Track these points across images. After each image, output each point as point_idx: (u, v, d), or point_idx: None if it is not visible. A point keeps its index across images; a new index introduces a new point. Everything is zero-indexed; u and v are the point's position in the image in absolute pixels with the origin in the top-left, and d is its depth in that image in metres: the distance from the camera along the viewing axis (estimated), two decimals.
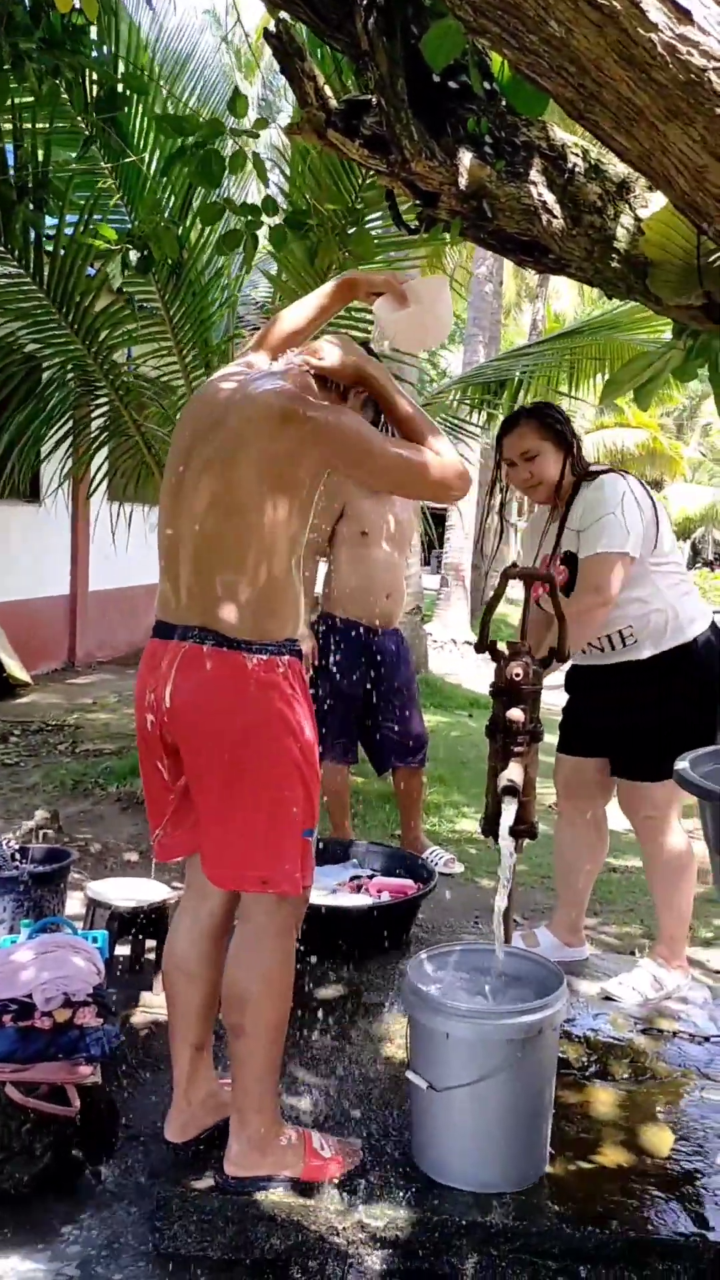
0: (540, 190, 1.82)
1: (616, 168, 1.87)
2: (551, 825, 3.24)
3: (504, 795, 2.05)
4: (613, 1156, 2.03)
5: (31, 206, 3.37)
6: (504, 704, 2.12)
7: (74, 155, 4.05)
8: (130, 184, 4.25)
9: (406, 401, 2.01)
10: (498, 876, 2.08)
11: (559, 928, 3.06)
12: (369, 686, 3.77)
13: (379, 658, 3.77)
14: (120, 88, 3.35)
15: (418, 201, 1.90)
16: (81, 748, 5.70)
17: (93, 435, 4.95)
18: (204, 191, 3.40)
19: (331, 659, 3.69)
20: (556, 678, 2.64)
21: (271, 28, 1.90)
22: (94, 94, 3.34)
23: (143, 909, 2.85)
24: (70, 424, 4.81)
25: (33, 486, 7.05)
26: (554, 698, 2.90)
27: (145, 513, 5.23)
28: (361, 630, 3.75)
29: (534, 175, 1.83)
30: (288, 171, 4.24)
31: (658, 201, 1.78)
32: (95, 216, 4.14)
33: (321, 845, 3.17)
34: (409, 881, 3.20)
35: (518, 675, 2.11)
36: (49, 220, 3.87)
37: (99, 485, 5.27)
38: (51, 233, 4.11)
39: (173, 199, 4.18)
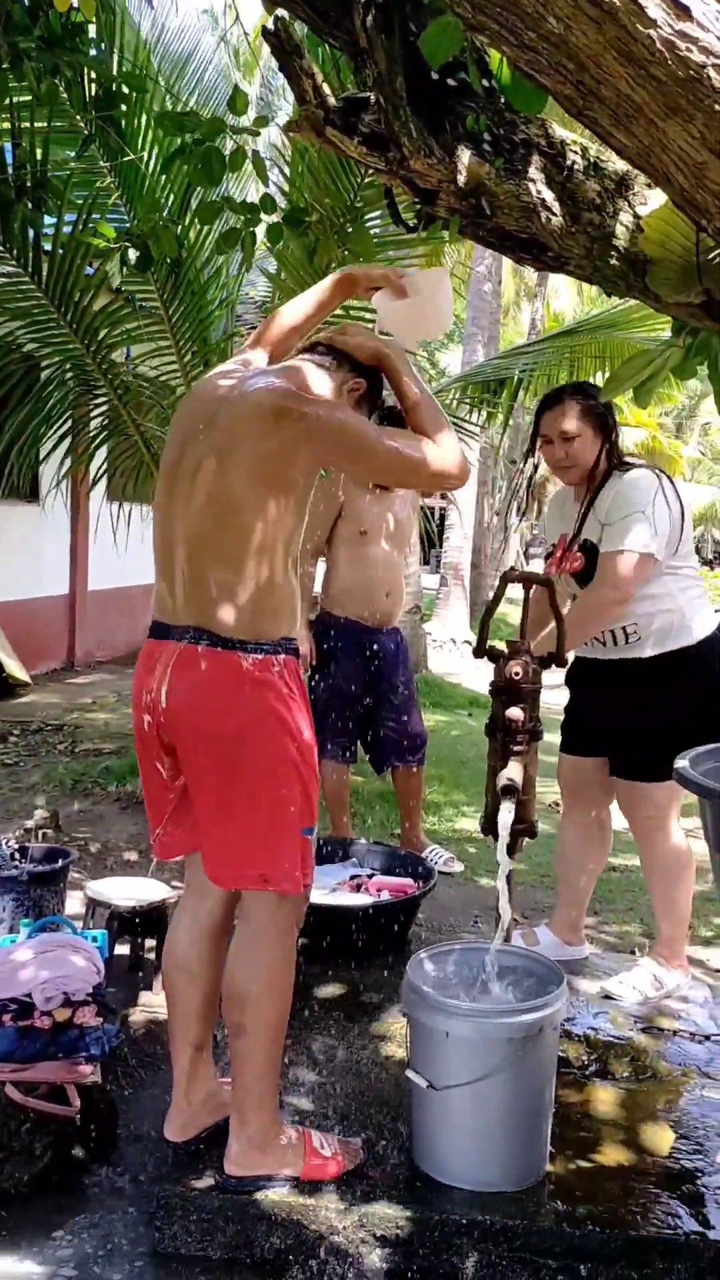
0: (539, 187, 1.81)
1: (616, 165, 1.86)
2: (552, 825, 3.24)
3: (503, 794, 2.05)
4: (613, 1155, 2.03)
5: (30, 205, 3.36)
6: (503, 703, 2.12)
7: (73, 154, 4.05)
8: (129, 183, 4.24)
9: (417, 387, 2.01)
10: (497, 875, 2.08)
11: (559, 926, 3.06)
12: (368, 685, 3.77)
13: (378, 657, 3.77)
14: (119, 86, 3.34)
15: (417, 199, 1.90)
16: (81, 747, 5.70)
17: (92, 435, 4.94)
18: (203, 190, 3.39)
19: (330, 658, 3.69)
20: (557, 675, 2.63)
21: (270, 25, 1.90)
22: (93, 93, 3.33)
23: (142, 908, 2.85)
24: (69, 423, 4.80)
25: (32, 486, 7.05)
26: (554, 697, 2.90)
27: (144, 512, 5.22)
28: (361, 629, 3.75)
29: (533, 172, 1.82)
30: (287, 170, 4.24)
31: (657, 199, 1.78)
32: (94, 215, 4.12)
33: (321, 844, 3.17)
34: (409, 880, 3.20)
35: (517, 674, 2.10)
36: (48, 219, 3.86)
37: (98, 485, 5.26)
38: (50, 231, 4.10)
39: (171, 197, 4.17)
